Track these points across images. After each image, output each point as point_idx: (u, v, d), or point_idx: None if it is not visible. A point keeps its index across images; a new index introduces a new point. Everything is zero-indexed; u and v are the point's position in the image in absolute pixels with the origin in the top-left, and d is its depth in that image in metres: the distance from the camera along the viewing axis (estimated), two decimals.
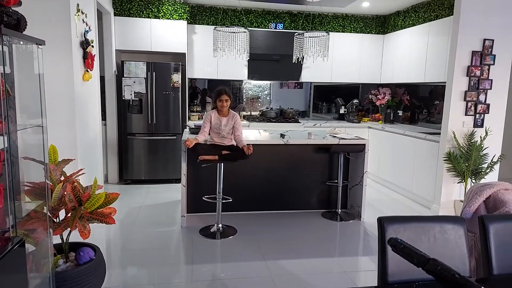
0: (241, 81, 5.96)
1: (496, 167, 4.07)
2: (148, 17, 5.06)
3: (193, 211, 3.92)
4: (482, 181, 3.89)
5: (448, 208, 4.11)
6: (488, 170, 3.92)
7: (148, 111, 5.00)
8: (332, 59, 5.69)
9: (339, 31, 5.79)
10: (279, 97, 6.23)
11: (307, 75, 5.80)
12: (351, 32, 5.84)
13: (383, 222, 1.72)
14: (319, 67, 5.58)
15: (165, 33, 5.12)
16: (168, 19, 5.11)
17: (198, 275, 2.74)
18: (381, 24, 5.91)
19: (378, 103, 5.86)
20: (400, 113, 5.73)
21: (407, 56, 5.29)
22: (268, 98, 6.19)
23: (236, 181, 3.97)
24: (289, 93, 6.30)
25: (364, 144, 3.93)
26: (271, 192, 4.14)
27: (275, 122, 5.53)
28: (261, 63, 5.66)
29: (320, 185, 4.23)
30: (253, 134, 4.18)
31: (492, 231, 1.77)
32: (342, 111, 6.04)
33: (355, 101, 5.89)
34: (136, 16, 5.03)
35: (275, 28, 5.63)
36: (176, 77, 5.00)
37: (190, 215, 3.86)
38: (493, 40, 4.03)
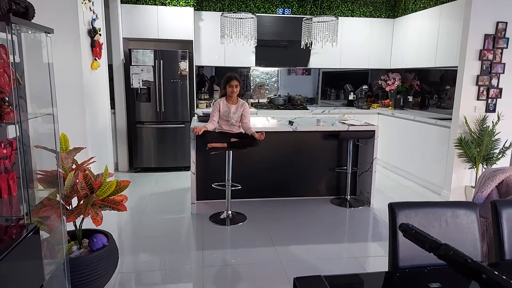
0: (249, 68, 5.92)
1: (508, 152, 4.01)
2: (155, 4, 5.02)
3: (203, 198, 3.96)
4: (494, 166, 3.83)
5: (459, 194, 4.08)
6: (500, 156, 3.87)
7: (156, 99, 5.01)
8: (341, 44, 5.60)
9: (348, 16, 5.68)
10: (287, 84, 6.18)
11: (315, 61, 5.73)
12: (360, 17, 5.72)
13: (394, 208, 1.72)
14: (327, 52, 5.50)
15: (172, 20, 5.08)
16: (175, 5, 5.06)
17: (208, 260, 2.78)
18: (391, 8, 5.78)
19: (387, 88, 5.78)
20: (410, 98, 5.65)
21: (417, 40, 5.18)
22: (276, 85, 6.15)
23: (245, 168, 3.98)
24: (297, 79, 6.24)
25: (374, 131, 3.89)
26: (280, 179, 4.15)
27: (283, 109, 5.50)
28: (268, 50, 5.60)
29: (329, 171, 4.22)
30: (261, 121, 4.17)
31: (505, 216, 1.75)
32: (351, 97, 5.98)
33: (364, 87, 5.81)
34: (142, 4, 5.00)
35: (283, 13, 5.54)
36: (184, 65, 4.98)
37: (200, 202, 3.90)
38: (506, 23, 3.92)
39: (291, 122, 4.03)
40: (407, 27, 5.45)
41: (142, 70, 4.92)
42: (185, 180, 4.69)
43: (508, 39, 3.95)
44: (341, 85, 6.23)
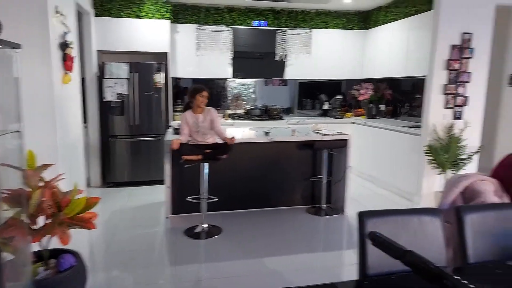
0: (226, 79, 5.95)
1: (476, 158, 4.16)
2: (129, 17, 4.99)
3: (178, 212, 3.91)
4: (461, 171, 3.97)
5: (429, 200, 4.19)
6: (467, 161, 4.01)
7: (131, 112, 4.95)
8: (316, 55, 5.69)
9: (322, 28, 5.81)
10: (264, 95, 6.23)
11: (291, 72, 5.81)
12: (333, 29, 5.87)
13: (362, 217, 1.75)
14: (302, 63, 5.59)
15: (147, 33, 5.06)
16: (150, 18, 5.05)
17: (182, 276, 2.74)
18: (363, 19, 5.96)
19: (360, 98, 5.92)
20: (383, 107, 5.80)
21: (388, 51, 5.35)
22: (253, 96, 6.19)
23: (221, 180, 3.96)
24: (274, 90, 6.32)
25: (346, 140, 3.97)
26: (257, 190, 4.15)
27: (260, 119, 5.54)
28: (245, 61, 5.65)
29: (305, 181, 4.26)
30: (238, 132, 4.18)
31: (468, 221, 1.81)
32: (325, 107, 6.09)
33: (338, 97, 5.94)
34: (117, 16, 4.96)
35: (259, 26, 5.62)
36: (159, 77, 4.96)
37: (175, 216, 3.85)
38: (472, 34, 4.10)
39: (267, 133, 4.07)
40: (379, 39, 5.62)
41: (116, 83, 4.86)
42: (160, 194, 4.61)
43: (473, 49, 4.13)
44: (317, 95, 6.34)
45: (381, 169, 5.04)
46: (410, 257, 1.13)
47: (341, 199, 4.13)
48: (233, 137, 3.37)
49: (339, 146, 4.01)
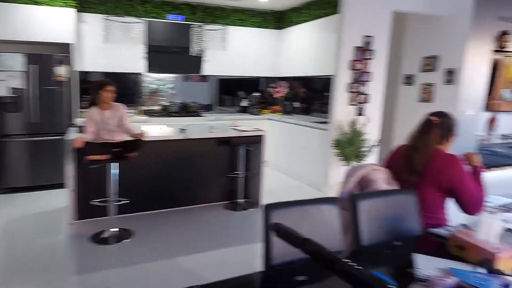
0: (140, 74, 5.66)
1: (376, 150, 4.58)
2: (26, 3, 4.46)
3: (84, 217, 3.59)
4: (363, 162, 4.33)
5: (336, 190, 4.49)
6: (368, 153, 4.39)
7: (28, 109, 4.43)
8: (233, 53, 5.74)
9: (239, 25, 5.86)
10: (183, 91, 6.08)
11: (209, 68, 5.75)
12: (250, 27, 5.95)
13: (267, 209, 1.80)
14: (220, 60, 5.59)
15: (48, 22, 4.56)
16: (51, 5, 4.57)
17: (88, 285, 2.54)
18: (278, 19, 6.15)
19: (276, 95, 6.12)
20: (297, 104, 6.07)
21: (301, 50, 5.60)
22: (172, 92, 6.00)
23: (133, 180, 3.75)
24: (194, 86, 6.20)
25: (261, 135, 4.07)
26: (173, 189, 4.03)
27: (177, 116, 5.40)
28: (161, 56, 5.45)
29: (223, 177, 4.26)
30: (153, 129, 4.01)
31: (361, 207, 1.96)
32: (244, 104, 6.17)
33: (256, 94, 6.06)
34: (11, 2, 4.39)
35: (175, 20, 5.45)
36: (61, 70, 4.52)
37: (80, 222, 3.53)
38: (372, 37, 4.48)
39: (183, 130, 3.97)
40: (292, 38, 5.86)
41: (9, 76, 4.30)
42: (63, 199, 4.23)
43: (373, 50, 4.52)
44: (236, 92, 6.39)
45: (295, 162, 5.29)
46: (308, 245, 1.17)
47: (257, 193, 4.22)
48: (143, 133, 3.22)
49: (255, 141, 4.09)
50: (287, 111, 6.03)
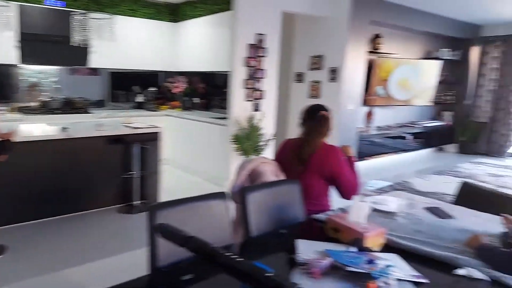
0: (12, 65, 4.91)
1: (272, 143, 4.78)
2: None
3: None
4: (261, 155, 4.49)
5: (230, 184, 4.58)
6: (265, 147, 4.57)
7: None
8: (125, 44, 5.36)
9: (130, 15, 5.49)
10: (70, 85, 5.44)
11: (97, 61, 5.25)
12: (142, 18, 5.63)
13: (152, 209, 1.71)
14: (110, 52, 5.16)
15: None
16: None
17: None
18: (173, 12, 5.95)
19: (174, 91, 5.95)
20: (197, 100, 5.99)
21: (198, 45, 5.52)
22: (56, 86, 5.33)
23: (4, 189, 3.24)
24: (83, 80, 5.62)
25: (157, 132, 3.89)
26: (55, 195, 3.57)
27: (60, 113, 4.82)
28: (38, 45, 4.78)
29: (115, 179, 3.95)
30: (28, 129, 3.51)
31: (250, 199, 2.00)
32: (139, 99, 5.85)
33: (152, 89, 5.80)
34: None
35: (54, 5, 4.84)
36: None
37: None
38: (265, 35, 4.63)
39: (65, 128, 3.56)
40: (188, 33, 5.73)
41: None
42: None
43: (266, 48, 4.67)
44: (131, 87, 6.01)
45: (196, 158, 5.21)
46: (192, 242, 1.14)
47: (155, 193, 4.04)
48: (12, 132, 2.79)
49: (151, 139, 3.90)
50: (187, 107, 5.90)
